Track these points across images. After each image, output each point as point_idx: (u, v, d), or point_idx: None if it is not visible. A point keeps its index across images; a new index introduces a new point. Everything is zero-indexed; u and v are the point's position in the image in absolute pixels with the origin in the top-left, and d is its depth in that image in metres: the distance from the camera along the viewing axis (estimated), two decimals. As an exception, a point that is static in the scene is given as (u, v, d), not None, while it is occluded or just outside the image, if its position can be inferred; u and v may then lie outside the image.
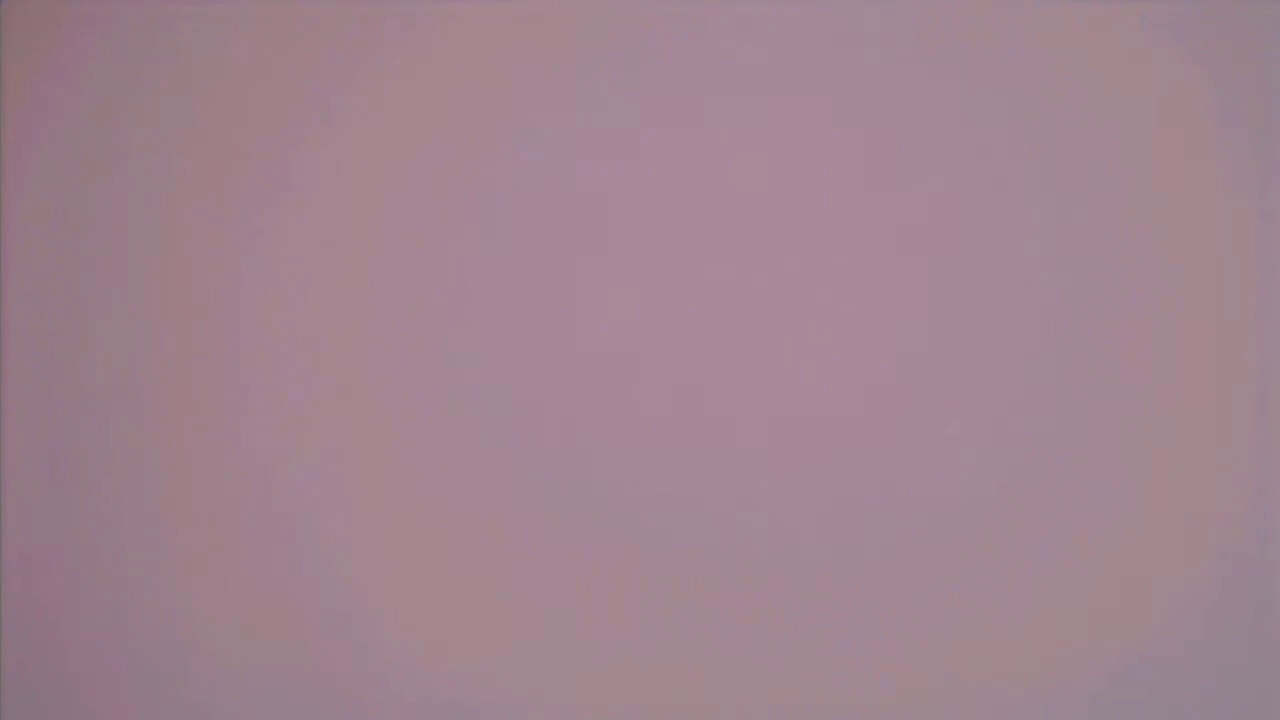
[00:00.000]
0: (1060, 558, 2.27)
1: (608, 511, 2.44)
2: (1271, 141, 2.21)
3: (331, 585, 2.56)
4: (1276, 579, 2.19)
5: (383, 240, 2.57)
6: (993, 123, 2.32)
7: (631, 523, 2.43)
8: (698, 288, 2.42)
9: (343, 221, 2.59)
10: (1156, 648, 2.23)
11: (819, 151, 2.38)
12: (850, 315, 2.36)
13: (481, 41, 2.54)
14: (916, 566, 2.32)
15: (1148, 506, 2.24)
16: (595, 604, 2.44)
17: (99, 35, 2.73)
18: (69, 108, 2.74)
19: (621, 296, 2.45)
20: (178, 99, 2.69)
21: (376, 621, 2.54)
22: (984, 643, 2.29)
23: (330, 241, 2.60)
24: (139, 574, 2.66)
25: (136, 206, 2.70)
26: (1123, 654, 2.24)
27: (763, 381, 2.39)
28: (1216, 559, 2.21)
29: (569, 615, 2.45)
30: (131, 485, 2.67)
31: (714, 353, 2.41)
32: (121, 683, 2.66)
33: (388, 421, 2.55)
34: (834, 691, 2.34)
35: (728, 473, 2.39)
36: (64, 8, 2.75)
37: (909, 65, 2.35)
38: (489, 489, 2.50)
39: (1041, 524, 2.28)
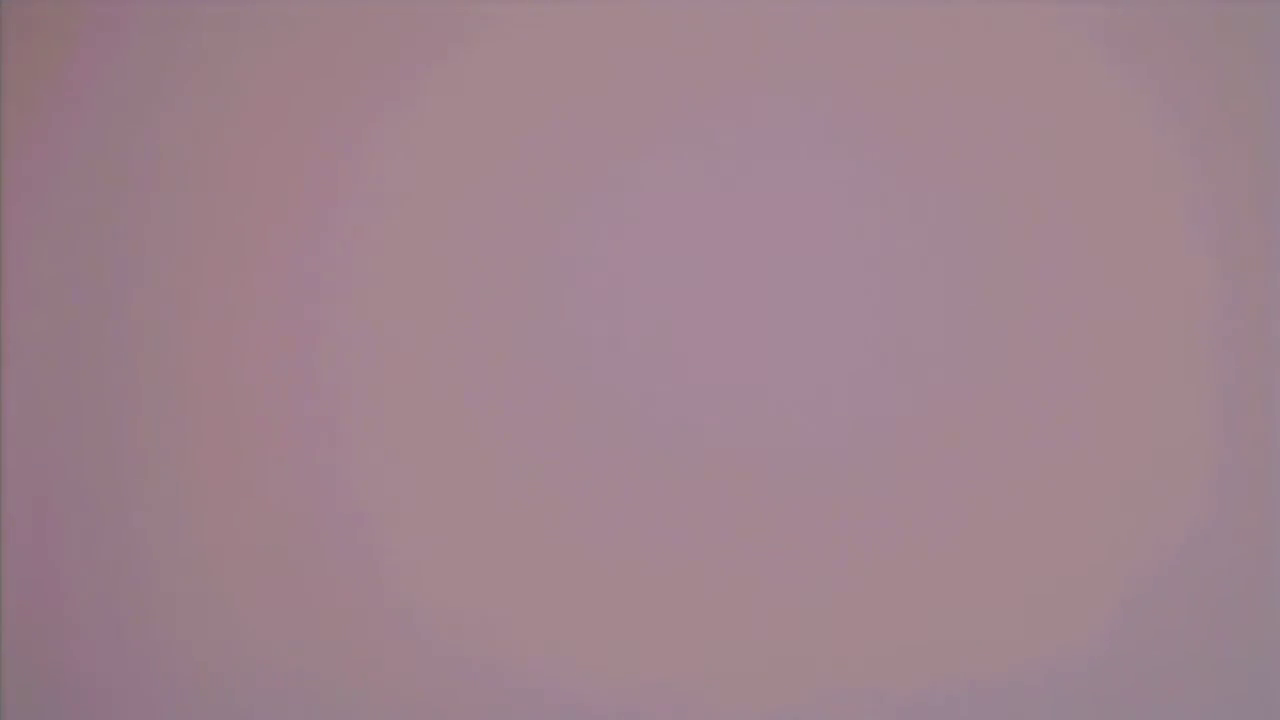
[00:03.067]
0: (1061, 560, 2.27)
1: (622, 465, 2.44)
2: (1271, 141, 2.21)
3: (331, 582, 2.56)
4: (1277, 580, 2.19)
5: (379, 239, 2.58)
6: (991, 124, 2.32)
7: (648, 471, 2.43)
8: (715, 261, 2.43)
9: (341, 221, 2.60)
10: (1156, 647, 2.23)
11: (816, 163, 2.39)
12: (852, 270, 2.36)
13: (513, 55, 2.54)
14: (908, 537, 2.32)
15: (1147, 506, 2.24)
16: (606, 553, 2.45)
17: (99, 36, 2.73)
18: (69, 109, 2.74)
19: (632, 264, 2.46)
20: (177, 99, 2.69)
21: (391, 591, 2.54)
22: (978, 626, 2.29)
23: (329, 241, 2.60)
24: (140, 573, 2.66)
25: (136, 207, 2.70)
26: (1122, 649, 2.25)
27: (769, 336, 2.39)
28: (1218, 561, 2.21)
29: (583, 568, 2.46)
30: (132, 484, 2.67)
31: (719, 303, 2.42)
32: (122, 682, 2.66)
33: (397, 395, 2.55)
34: (837, 653, 2.34)
35: (738, 409, 2.40)
36: (65, 9, 2.76)
37: (908, 66, 2.35)
38: (506, 439, 2.50)
39: (1041, 521, 2.28)
